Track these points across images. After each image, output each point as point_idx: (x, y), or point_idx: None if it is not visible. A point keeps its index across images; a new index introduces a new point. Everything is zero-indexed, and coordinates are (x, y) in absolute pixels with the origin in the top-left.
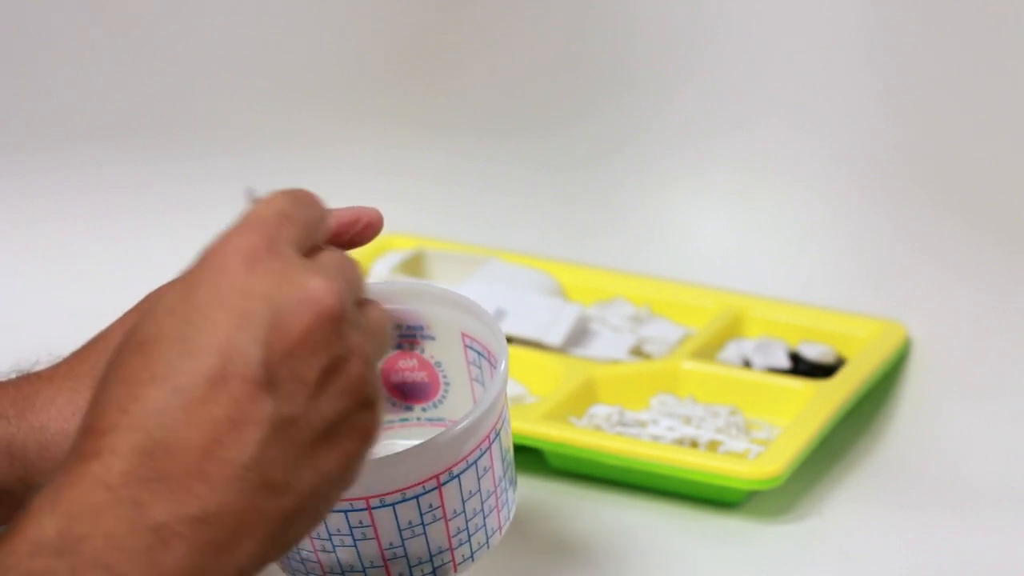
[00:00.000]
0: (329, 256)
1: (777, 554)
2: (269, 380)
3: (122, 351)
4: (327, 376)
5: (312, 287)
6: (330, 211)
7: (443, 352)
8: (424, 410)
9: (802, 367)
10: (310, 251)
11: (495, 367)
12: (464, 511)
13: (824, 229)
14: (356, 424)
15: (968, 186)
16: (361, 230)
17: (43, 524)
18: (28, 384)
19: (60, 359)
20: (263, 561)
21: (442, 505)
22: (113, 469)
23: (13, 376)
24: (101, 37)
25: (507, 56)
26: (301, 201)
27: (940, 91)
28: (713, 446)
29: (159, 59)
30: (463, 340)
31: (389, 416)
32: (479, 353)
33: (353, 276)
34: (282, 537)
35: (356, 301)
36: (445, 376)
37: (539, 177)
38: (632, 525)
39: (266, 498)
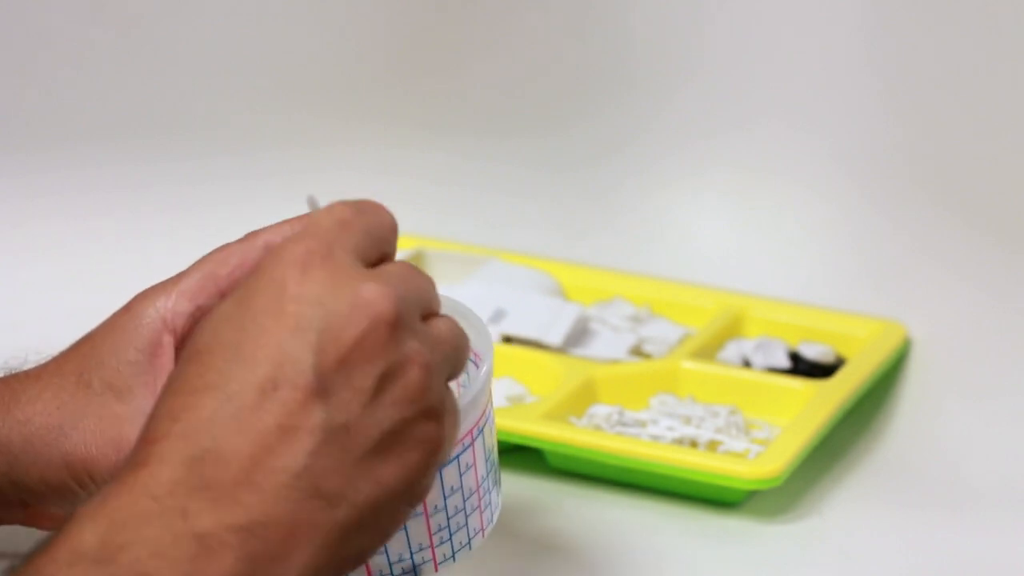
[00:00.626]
0: (395, 266)
1: (777, 554)
2: (321, 387)
3: (179, 361)
4: (383, 384)
5: (366, 292)
6: (394, 220)
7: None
8: None
9: (802, 367)
10: (375, 262)
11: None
12: (445, 507)
13: (824, 229)
14: (418, 435)
15: (968, 186)
16: None
17: (84, 532)
18: (15, 381)
19: (49, 358)
20: (319, 574)
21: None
22: (160, 478)
23: (1, 375)
24: (101, 37)
25: (507, 56)
26: (364, 210)
27: (940, 91)
28: (713, 446)
29: (159, 59)
30: None
31: None
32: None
33: (418, 287)
34: (341, 551)
35: (423, 313)
36: None
37: (539, 177)
38: (632, 525)
39: (318, 508)
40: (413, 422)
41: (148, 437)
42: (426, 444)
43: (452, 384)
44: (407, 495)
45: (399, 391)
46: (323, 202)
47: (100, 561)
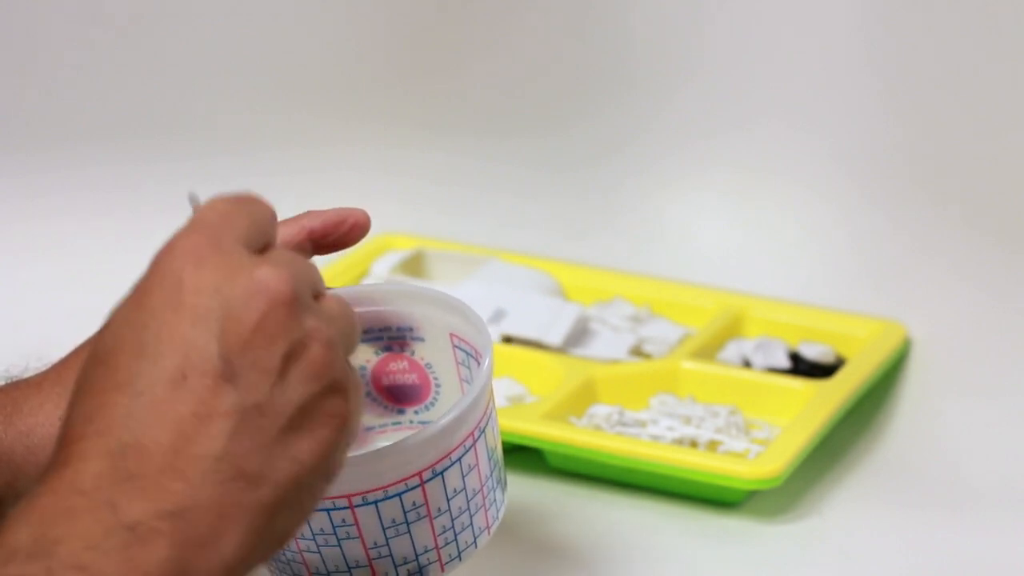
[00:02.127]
0: (280, 252)
1: (777, 554)
2: (229, 372)
3: (85, 366)
4: (288, 362)
5: (261, 276)
6: (273, 210)
7: (433, 353)
8: (416, 412)
9: (802, 367)
10: (260, 250)
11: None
12: (449, 509)
13: (824, 229)
14: (327, 409)
15: (968, 186)
16: (347, 231)
17: (18, 532)
18: (16, 390)
19: (49, 365)
20: (252, 556)
21: (426, 503)
22: (84, 474)
23: (2, 383)
24: (101, 37)
25: (507, 56)
26: (244, 202)
27: (940, 91)
28: (713, 446)
29: (159, 59)
30: (451, 340)
31: (381, 420)
32: (467, 353)
33: (305, 268)
34: (268, 530)
35: (314, 293)
36: (436, 378)
37: (539, 177)
38: (632, 525)
39: (243, 489)
40: (321, 397)
41: (65, 439)
42: (335, 419)
43: (458, 386)
44: (323, 470)
45: (304, 367)
46: (202, 198)
47: (35, 556)
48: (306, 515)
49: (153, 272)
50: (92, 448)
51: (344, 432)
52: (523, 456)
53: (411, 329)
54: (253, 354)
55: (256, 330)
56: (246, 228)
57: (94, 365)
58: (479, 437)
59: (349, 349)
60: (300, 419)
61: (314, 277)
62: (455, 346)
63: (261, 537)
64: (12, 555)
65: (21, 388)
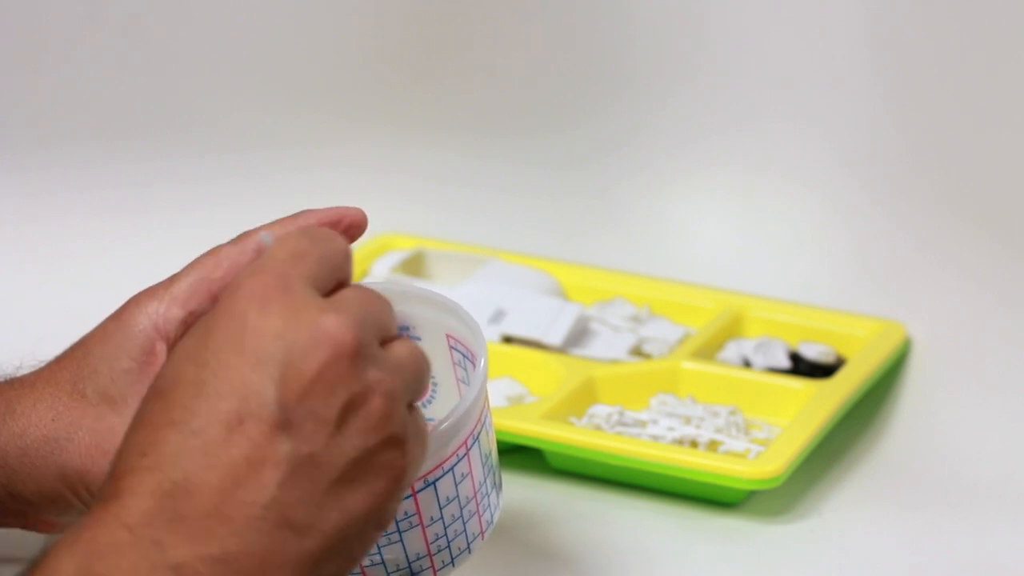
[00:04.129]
0: (351, 292)
1: (777, 554)
2: (285, 420)
3: (145, 398)
4: (346, 413)
5: (325, 324)
6: (347, 247)
7: (429, 353)
8: None
9: (802, 367)
10: (332, 289)
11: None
12: (442, 517)
13: (824, 229)
14: (382, 462)
15: (968, 186)
16: (344, 230)
17: (62, 563)
18: (10, 389)
19: (43, 364)
20: None
21: (418, 512)
22: (133, 509)
23: None
24: (101, 37)
25: (507, 56)
26: (317, 238)
27: (940, 91)
28: (713, 446)
29: (158, 59)
30: (447, 341)
31: None
32: (463, 355)
33: (376, 312)
34: None
35: (382, 338)
36: (433, 377)
37: (539, 177)
38: (632, 525)
39: (288, 539)
40: (377, 450)
41: (117, 472)
42: (391, 471)
43: (455, 386)
44: (375, 520)
45: (362, 420)
46: (271, 240)
47: None
48: (355, 563)
49: (219, 310)
50: (142, 484)
51: (399, 484)
52: (523, 456)
53: (408, 329)
54: (311, 403)
55: (316, 380)
56: (316, 268)
57: (153, 397)
58: (472, 445)
59: (416, 396)
60: (354, 471)
61: (384, 321)
62: (451, 347)
63: None
64: None
65: (14, 387)
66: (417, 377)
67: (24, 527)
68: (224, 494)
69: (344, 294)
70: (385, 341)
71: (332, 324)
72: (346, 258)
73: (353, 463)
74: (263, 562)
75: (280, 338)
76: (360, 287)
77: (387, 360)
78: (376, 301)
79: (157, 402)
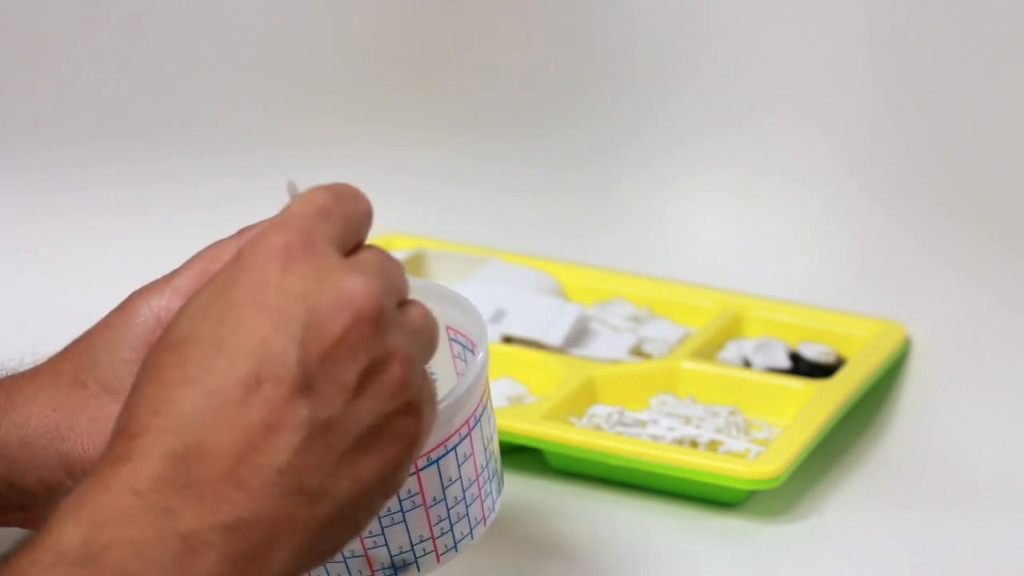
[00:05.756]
0: (370, 254)
1: (777, 554)
2: (305, 383)
3: (155, 350)
4: (366, 379)
5: (349, 287)
6: (370, 206)
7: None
8: None
9: (802, 367)
10: (352, 249)
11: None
12: (445, 498)
13: (824, 229)
14: (397, 429)
15: (968, 186)
16: None
17: (67, 532)
18: (11, 382)
19: (44, 359)
20: (298, 570)
21: (421, 491)
22: (143, 474)
23: None
24: (101, 37)
25: (507, 56)
26: (342, 196)
27: (940, 91)
28: (713, 446)
29: (159, 59)
30: (448, 333)
31: None
32: (463, 346)
33: (394, 275)
34: (319, 546)
35: (398, 302)
36: (432, 371)
37: (539, 177)
38: (632, 525)
39: (302, 505)
40: (393, 417)
41: (128, 430)
42: (405, 438)
43: (454, 379)
44: (383, 488)
45: (381, 386)
46: (302, 187)
47: (82, 562)
48: (360, 530)
49: (239, 264)
50: (154, 446)
51: (412, 451)
52: (523, 456)
53: None
54: (331, 367)
55: (338, 343)
56: (340, 227)
57: (165, 350)
58: (474, 426)
59: (427, 359)
60: (369, 438)
61: (401, 283)
62: (451, 339)
63: (312, 551)
64: (60, 558)
65: (16, 380)
66: (431, 341)
67: (25, 524)
68: (239, 458)
69: (364, 255)
70: (400, 303)
71: (356, 287)
72: (367, 219)
73: (369, 429)
74: (273, 529)
75: (304, 299)
76: (376, 248)
77: (405, 324)
78: (392, 262)
79: (170, 355)
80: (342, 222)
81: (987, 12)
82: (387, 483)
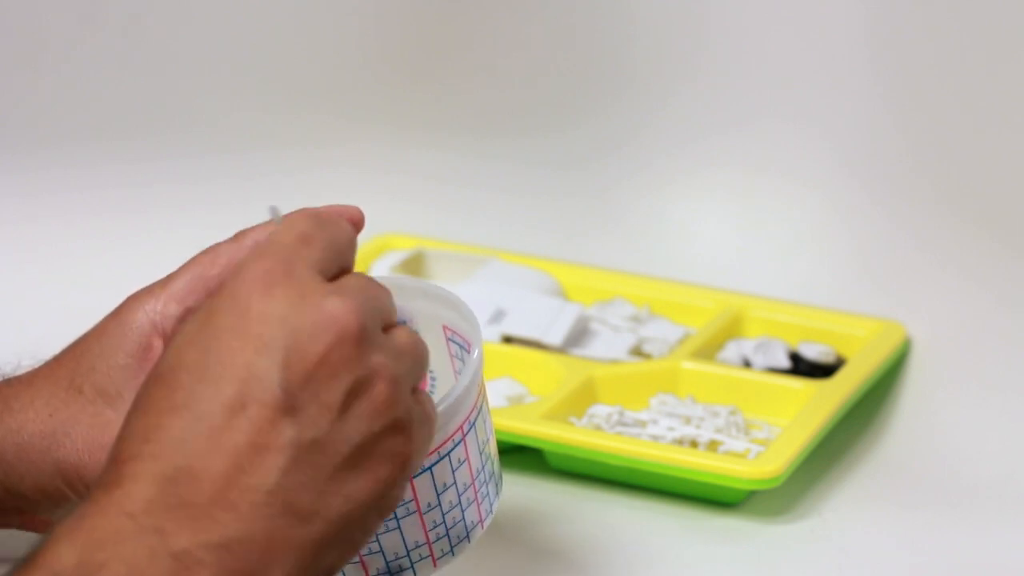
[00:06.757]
0: (354, 279)
1: (777, 554)
2: (289, 404)
3: (144, 383)
4: (350, 398)
5: (330, 308)
6: (353, 233)
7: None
8: None
9: (802, 367)
10: (336, 274)
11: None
12: (440, 504)
13: (824, 229)
14: (386, 448)
15: (968, 186)
16: None
17: (62, 553)
18: (8, 387)
19: (41, 363)
20: None
21: (415, 498)
22: (135, 497)
23: None
24: (101, 37)
25: (507, 56)
26: (324, 222)
27: (940, 91)
28: (713, 446)
29: (159, 59)
30: (445, 333)
31: None
32: (460, 346)
33: (378, 299)
34: (316, 565)
35: (384, 325)
36: (431, 371)
37: (539, 177)
38: (632, 525)
39: (292, 525)
40: (381, 436)
41: (119, 457)
42: (395, 457)
43: (453, 379)
44: (378, 507)
45: (366, 405)
46: (284, 211)
47: None
48: (356, 550)
49: (222, 295)
50: (144, 470)
51: (404, 471)
52: (523, 456)
53: (405, 322)
54: (315, 388)
55: (320, 364)
56: (322, 253)
57: (154, 383)
58: (468, 431)
59: (416, 382)
60: (358, 457)
61: (386, 307)
62: (448, 339)
63: (309, 570)
64: None
65: (12, 385)
66: (418, 363)
67: (21, 527)
68: (228, 480)
69: (347, 280)
70: (386, 327)
71: (336, 308)
72: (351, 245)
73: (357, 448)
74: (265, 549)
75: (284, 322)
76: (361, 274)
77: (390, 345)
78: (377, 287)
79: (159, 387)
80: (324, 247)
81: (987, 12)
82: (380, 502)
